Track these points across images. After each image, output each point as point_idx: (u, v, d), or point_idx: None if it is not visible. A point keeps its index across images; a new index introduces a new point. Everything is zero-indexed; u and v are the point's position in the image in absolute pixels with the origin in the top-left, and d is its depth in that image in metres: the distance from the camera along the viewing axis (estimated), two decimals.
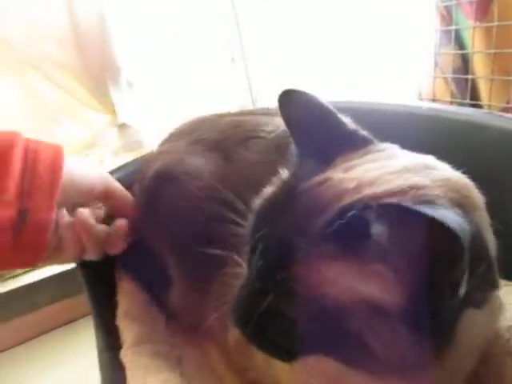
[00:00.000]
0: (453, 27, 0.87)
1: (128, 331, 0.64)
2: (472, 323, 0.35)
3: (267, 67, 1.26)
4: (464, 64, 0.90)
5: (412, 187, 0.33)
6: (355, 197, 0.33)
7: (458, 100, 0.90)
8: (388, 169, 0.36)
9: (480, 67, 0.86)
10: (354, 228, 0.30)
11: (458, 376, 0.38)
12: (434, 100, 0.93)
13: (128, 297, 0.70)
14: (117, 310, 0.66)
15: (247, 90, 1.27)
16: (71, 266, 0.72)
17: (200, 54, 1.21)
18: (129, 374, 0.56)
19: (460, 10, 0.86)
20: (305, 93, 0.42)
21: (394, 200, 0.32)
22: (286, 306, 0.33)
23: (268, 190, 0.41)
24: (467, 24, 0.85)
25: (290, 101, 0.42)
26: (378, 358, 0.31)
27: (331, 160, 0.39)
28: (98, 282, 0.70)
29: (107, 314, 0.66)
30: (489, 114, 0.70)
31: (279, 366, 0.45)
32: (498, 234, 0.59)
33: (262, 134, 0.59)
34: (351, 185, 0.34)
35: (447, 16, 0.88)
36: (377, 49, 1.05)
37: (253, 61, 1.25)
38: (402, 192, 0.33)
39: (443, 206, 0.32)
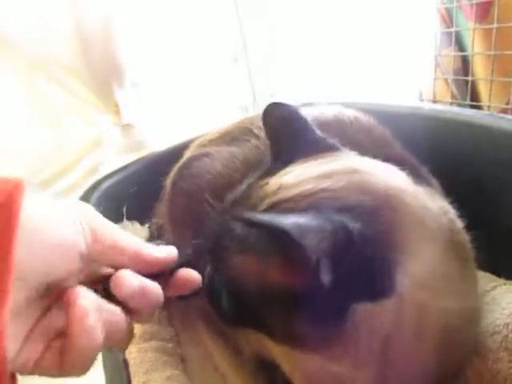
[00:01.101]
0: (453, 29, 0.88)
1: None
2: (370, 315, 0.37)
3: (269, 68, 1.27)
4: (464, 65, 0.91)
5: (322, 190, 0.38)
6: (269, 202, 0.39)
7: (458, 101, 0.91)
8: (315, 173, 0.41)
9: (480, 68, 0.86)
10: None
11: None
12: (434, 101, 0.93)
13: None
14: None
15: (249, 91, 1.28)
16: None
17: (203, 55, 1.22)
18: (133, 370, 0.58)
19: (460, 12, 0.87)
20: (285, 105, 0.48)
21: (291, 205, 0.38)
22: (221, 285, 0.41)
23: (240, 188, 0.46)
24: (467, 26, 0.86)
25: (272, 112, 0.48)
26: (276, 334, 0.39)
27: (288, 162, 0.44)
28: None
29: None
30: (490, 116, 0.71)
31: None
32: (499, 231, 0.61)
33: None
34: (273, 188, 0.40)
35: (448, 18, 0.89)
36: (378, 50, 1.06)
37: (255, 61, 1.26)
38: (309, 195, 0.38)
39: (330, 211, 0.36)
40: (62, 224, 0.31)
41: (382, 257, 0.36)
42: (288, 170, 0.43)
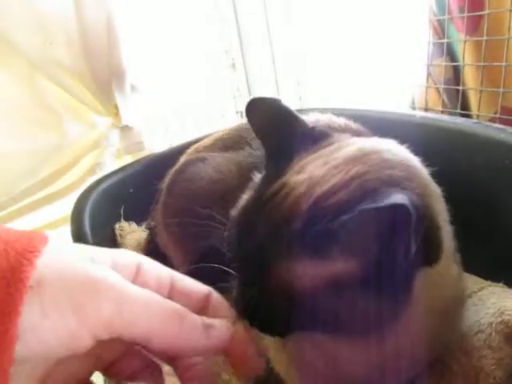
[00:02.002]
0: (445, 40, 0.90)
1: None
2: (426, 280, 0.39)
3: (267, 73, 1.29)
4: (455, 75, 0.93)
5: (353, 177, 0.38)
6: (309, 201, 0.37)
7: (449, 109, 0.94)
8: (332, 163, 0.40)
9: (470, 79, 0.89)
10: (319, 238, 0.36)
11: (420, 335, 0.41)
12: (426, 109, 0.96)
13: None
14: None
15: (247, 95, 1.30)
16: None
17: (201, 60, 1.24)
18: None
19: (452, 25, 0.90)
20: (267, 99, 0.46)
21: (341, 195, 0.37)
22: (268, 297, 0.38)
23: (243, 198, 0.45)
24: (459, 37, 0.89)
25: (255, 109, 0.46)
26: (347, 323, 0.37)
27: (290, 159, 0.43)
28: None
29: None
30: (478, 124, 0.74)
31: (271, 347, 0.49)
32: (487, 236, 0.63)
33: None
34: (303, 188, 0.39)
35: (440, 29, 0.91)
36: (372, 59, 1.08)
37: (253, 66, 1.28)
38: (345, 185, 0.37)
39: (385, 188, 0.37)
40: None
41: (433, 221, 0.40)
42: (298, 166, 0.42)
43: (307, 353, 0.43)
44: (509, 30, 0.78)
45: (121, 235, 0.91)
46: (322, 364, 0.43)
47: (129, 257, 0.32)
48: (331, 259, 0.36)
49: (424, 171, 0.44)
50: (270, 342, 0.47)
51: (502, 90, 0.81)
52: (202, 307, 0.34)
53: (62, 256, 0.28)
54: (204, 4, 1.21)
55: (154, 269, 0.33)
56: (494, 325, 0.48)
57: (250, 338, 0.34)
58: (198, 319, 0.30)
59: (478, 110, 0.86)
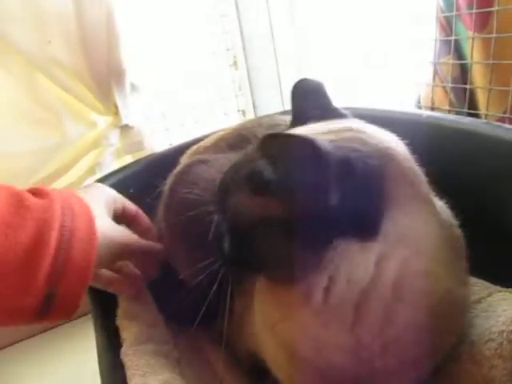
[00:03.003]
0: (452, 37, 0.88)
1: (128, 330, 0.64)
2: (351, 254, 0.39)
3: (269, 71, 1.27)
4: (463, 74, 0.91)
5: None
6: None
7: (456, 109, 0.91)
8: (317, 129, 0.46)
9: (478, 77, 0.87)
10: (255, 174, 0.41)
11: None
12: (432, 108, 0.94)
13: (128, 295, 0.71)
14: (117, 309, 0.66)
15: (248, 94, 1.28)
16: None
17: (203, 58, 1.23)
18: (129, 373, 0.57)
19: (460, 21, 0.87)
20: (312, 80, 0.55)
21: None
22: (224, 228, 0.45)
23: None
24: (466, 34, 0.87)
25: (299, 85, 0.54)
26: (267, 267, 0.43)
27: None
28: None
29: (108, 313, 0.66)
30: (487, 124, 0.72)
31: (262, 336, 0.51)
32: (494, 239, 0.61)
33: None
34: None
35: (447, 26, 0.89)
36: (377, 56, 1.07)
37: (255, 65, 1.26)
38: None
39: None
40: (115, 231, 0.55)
41: (374, 197, 0.39)
42: (301, 126, 0.48)
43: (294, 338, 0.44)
44: None
45: None
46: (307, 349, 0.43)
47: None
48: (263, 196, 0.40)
49: (403, 161, 0.43)
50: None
51: (511, 88, 0.79)
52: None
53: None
54: (205, 2, 1.19)
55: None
56: (505, 334, 0.46)
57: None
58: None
59: (487, 109, 0.84)
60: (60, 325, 1.09)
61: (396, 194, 0.40)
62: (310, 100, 0.53)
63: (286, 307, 0.44)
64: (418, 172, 0.45)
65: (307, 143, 0.36)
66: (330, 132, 0.44)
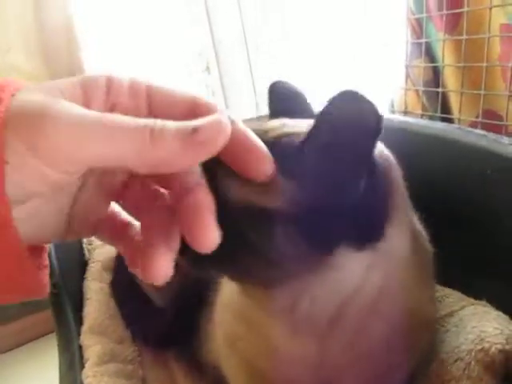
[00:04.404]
0: (423, 40, 0.86)
1: (91, 349, 0.63)
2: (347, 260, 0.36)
3: (242, 76, 1.26)
4: (435, 77, 0.89)
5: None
6: (278, 131, 0.38)
7: (429, 113, 0.89)
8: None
9: (450, 80, 0.85)
10: None
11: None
12: (405, 112, 0.92)
13: (95, 310, 0.69)
14: (82, 327, 0.65)
15: (221, 99, 1.26)
16: None
17: (174, 63, 1.21)
18: None
19: (431, 23, 0.86)
20: (285, 82, 0.51)
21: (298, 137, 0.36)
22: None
23: None
24: (438, 37, 0.85)
25: (275, 87, 0.51)
26: (272, 264, 0.35)
27: None
28: (65, 298, 0.68)
29: (72, 331, 0.65)
30: (459, 130, 0.70)
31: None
32: (467, 247, 0.59)
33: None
34: (276, 124, 0.39)
35: (418, 28, 0.87)
36: (349, 60, 1.05)
37: (227, 69, 1.25)
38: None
39: None
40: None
41: (385, 199, 0.37)
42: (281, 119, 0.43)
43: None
44: (489, 29, 0.74)
45: (89, 250, 0.86)
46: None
47: (97, 75, 0.29)
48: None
49: (398, 172, 0.42)
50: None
51: (483, 92, 0.77)
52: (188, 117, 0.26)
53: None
54: (175, 6, 1.17)
55: (126, 80, 0.29)
56: (473, 353, 0.44)
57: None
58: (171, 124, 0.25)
59: (459, 113, 0.82)
60: (29, 342, 1.07)
61: (396, 202, 0.39)
62: (288, 102, 0.51)
63: (252, 318, 0.41)
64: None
65: (378, 116, 0.33)
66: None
